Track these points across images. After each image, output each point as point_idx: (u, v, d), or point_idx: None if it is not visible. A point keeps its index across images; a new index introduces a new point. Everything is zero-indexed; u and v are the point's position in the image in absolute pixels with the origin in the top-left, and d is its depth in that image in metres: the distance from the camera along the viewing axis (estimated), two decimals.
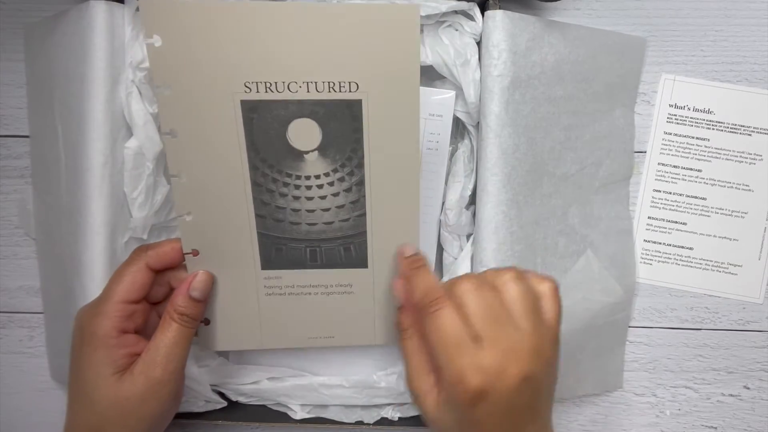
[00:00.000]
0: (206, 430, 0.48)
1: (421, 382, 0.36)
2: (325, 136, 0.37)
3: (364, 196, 0.38)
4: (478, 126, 0.43)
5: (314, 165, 0.38)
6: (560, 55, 0.44)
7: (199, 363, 0.45)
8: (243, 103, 0.36)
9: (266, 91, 0.35)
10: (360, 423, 0.46)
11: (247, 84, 0.35)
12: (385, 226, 0.39)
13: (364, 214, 0.39)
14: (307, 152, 0.37)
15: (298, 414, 0.46)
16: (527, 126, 0.43)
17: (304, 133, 0.37)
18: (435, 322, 0.34)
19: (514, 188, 0.42)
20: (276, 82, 0.35)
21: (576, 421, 0.50)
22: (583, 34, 0.45)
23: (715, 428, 0.50)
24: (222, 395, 0.46)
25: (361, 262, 0.41)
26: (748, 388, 0.50)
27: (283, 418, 0.46)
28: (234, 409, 0.47)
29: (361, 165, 0.38)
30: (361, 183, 0.38)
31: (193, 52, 0.34)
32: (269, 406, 0.47)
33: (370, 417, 0.46)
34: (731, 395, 0.50)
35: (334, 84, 0.35)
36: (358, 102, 0.36)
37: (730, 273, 0.49)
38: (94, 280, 0.41)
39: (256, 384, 0.46)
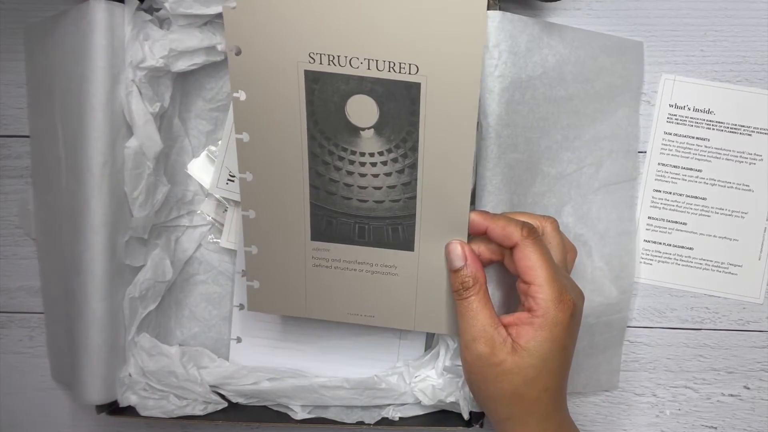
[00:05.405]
0: (207, 430, 0.48)
1: (493, 335, 0.37)
2: (382, 115, 0.37)
3: (416, 179, 0.39)
4: (478, 126, 0.43)
5: (369, 142, 0.38)
6: (561, 56, 0.44)
7: (199, 364, 0.45)
8: (307, 73, 0.36)
9: (329, 64, 0.36)
10: (361, 423, 0.46)
11: (312, 55, 0.36)
12: (435, 211, 0.39)
13: (414, 197, 0.39)
14: (363, 129, 0.38)
15: (299, 414, 0.46)
16: (526, 126, 0.43)
17: (362, 110, 0.37)
18: (536, 248, 0.37)
19: (512, 188, 0.42)
20: (339, 56, 0.36)
21: (576, 421, 0.50)
22: (581, 36, 0.45)
23: (715, 428, 0.50)
24: (222, 396, 0.46)
25: (408, 244, 0.41)
26: (748, 388, 0.50)
27: (283, 418, 0.46)
28: (234, 410, 0.47)
29: (415, 148, 0.38)
30: (413, 166, 0.38)
31: (263, 17, 0.35)
32: (269, 407, 0.47)
33: (371, 417, 0.46)
34: (731, 395, 0.50)
35: (394, 64, 0.36)
36: (417, 85, 0.36)
37: (730, 273, 0.49)
38: (94, 280, 0.41)
39: (256, 385, 0.46)
